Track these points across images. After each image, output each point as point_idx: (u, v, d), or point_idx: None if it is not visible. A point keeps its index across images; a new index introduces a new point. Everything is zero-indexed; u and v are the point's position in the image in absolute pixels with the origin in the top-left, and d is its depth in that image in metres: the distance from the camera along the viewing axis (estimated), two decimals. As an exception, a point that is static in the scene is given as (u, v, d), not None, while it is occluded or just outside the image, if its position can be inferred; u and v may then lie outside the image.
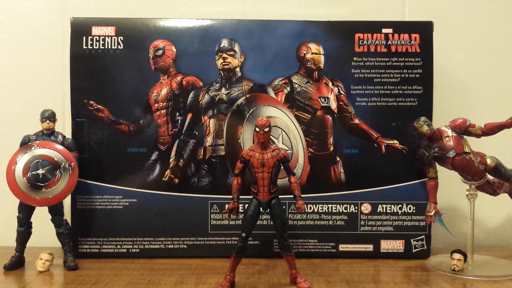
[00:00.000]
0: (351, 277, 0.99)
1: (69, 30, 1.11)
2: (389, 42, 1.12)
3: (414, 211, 1.12)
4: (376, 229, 1.13)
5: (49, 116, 1.04)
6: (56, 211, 1.04)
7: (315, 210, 1.12)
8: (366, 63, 1.12)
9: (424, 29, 1.12)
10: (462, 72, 1.30)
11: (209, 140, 1.12)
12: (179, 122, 1.12)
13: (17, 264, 1.04)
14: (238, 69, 1.12)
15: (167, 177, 1.11)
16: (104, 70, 1.11)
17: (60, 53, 1.25)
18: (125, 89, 1.11)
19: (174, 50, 1.11)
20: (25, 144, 1.03)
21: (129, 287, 0.92)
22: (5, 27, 1.29)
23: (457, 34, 1.29)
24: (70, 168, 1.03)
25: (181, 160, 1.11)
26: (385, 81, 1.12)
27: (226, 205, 0.98)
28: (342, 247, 1.13)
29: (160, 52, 1.11)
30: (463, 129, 1.03)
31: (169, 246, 1.12)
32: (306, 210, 1.12)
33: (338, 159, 1.12)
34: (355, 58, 1.12)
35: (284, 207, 1.09)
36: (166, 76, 1.12)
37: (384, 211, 1.12)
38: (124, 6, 1.28)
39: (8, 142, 1.07)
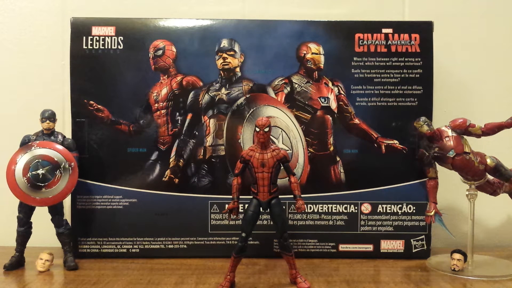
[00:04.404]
0: (351, 277, 0.99)
1: (69, 30, 1.11)
2: (389, 42, 1.12)
3: (414, 211, 1.12)
4: (376, 229, 1.13)
5: (49, 116, 1.04)
6: (56, 211, 1.04)
7: (315, 210, 1.12)
8: (366, 63, 1.12)
9: (424, 29, 1.12)
10: (462, 72, 1.30)
11: (209, 140, 1.12)
12: (179, 122, 1.12)
13: (17, 264, 1.04)
14: (238, 69, 1.12)
15: (167, 177, 1.11)
16: (104, 70, 1.11)
17: (60, 53, 1.25)
18: (125, 89, 1.11)
19: (174, 50, 1.11)
20: (25, 144, 1.03)
21: (129, 287, 0.92)
22: (5, 27, 1.29)
23: (457, 34, 1.29)
24: (70, 168, 1.03)
25: (181, 160, 1.11)
26: (385, 81, 1.12)
27: (226, 205, 0.98)
28: (342, 247, 1.13)
29: (160, 52, 1.11)
30: (463, 129, 1.03)
31: (169, 246, 1.12)
32: (306, 210, 1.12)
33: (338, 159, 1.12)
34: (355, 58, 1.12)
35: (284, 207, 1.09)
36: (166, 76, 1.12)
37: (384, 211, 1.12)
38: (124, 6, 1.28)
39: (8, 142, 1.07)
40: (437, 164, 1.07)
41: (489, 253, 1.15)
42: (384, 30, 1.12)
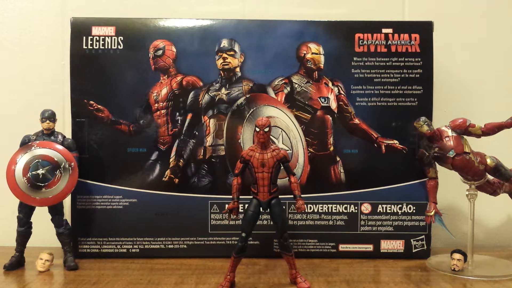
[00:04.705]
0: (351, 277, 0.99)
1: (69, 30, 1.11)
2: (389, 42, 1.12)
3: (414, 211, 1.12)
4: (376, 229, 1.13)
5: (49, 116, 1.04)
6: (56, 211, 1.04)
7: (315, 210, 1.12)
8: (366, 63, 1.12)
9: (424, 29, 1.12)
10: (462, 72, 1.30)
11: (209, 140, 1.12)
12: (179, 122, 1.12)
13: (17, 264, 1.04)
14: (238, 69, 1.12)
15: (167, 177, 1.11)
16: (104, 70, 1.11)
17: (60, 53, 1.25)
18: (125, 89, 1.11)
19: (174, 50, 1.11)
20: (25, 144, 1.03)
21: (129, 287, 0.92)
22: (5, 27, 1.29)
23: (457, 34, 1.29)
24: (70, 168, 1.03)
25: (181, 160, 1.11)
26: (385, 81, 1.12)
27: (226, 205, 0.98)
28: (342, 247, 1.13)
29: (160, 52, 1.11)
30: (463, 129, 1.03)
31: (169, 246, 1.12)
32: (306, 210, 1.12)
33: (338, 159, 1.12)
34: (355, 58, 1.12)
35: (284, 207, 1.09)
36: (166, 76, 1.12)
37: (384, 211, 1.12)
38: (124, 6, 1.28)
39: (8, 142, 1.07)
40: (437, 164, 1.07)
41: (489, 253, 1.15)
42: (384, 30, 1.12)
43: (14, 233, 1.05)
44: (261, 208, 0.92)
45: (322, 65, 1.12)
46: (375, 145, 1.12)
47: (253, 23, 1.13)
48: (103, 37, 1.11)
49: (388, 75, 1.12)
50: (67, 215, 1.09)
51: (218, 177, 1.11)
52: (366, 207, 1.13)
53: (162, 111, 1.12)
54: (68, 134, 1.10)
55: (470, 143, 1.04)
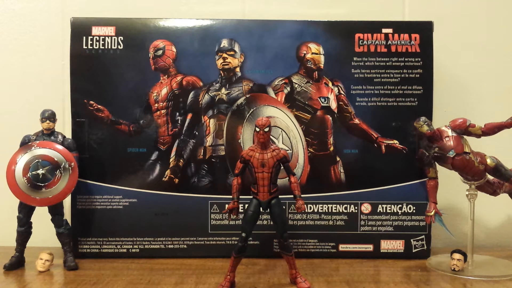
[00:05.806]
0: (351, 277, 0.99)
1: (69, 30, 1.11)
2: (389, 42, 1.12)
3: (414, 211, 1.12)
4: (376, 229, 1.13)
5: (49, 116, 1.04)
6: (56, 211, 1.04)
7: (315, 210, 1.12)
8: (366, 63, 1.12)
9: (424, 29, 1.12)
10: (462, 72, 1.30)
11: (209, 140, 1.12)
12: (179, 122, 1.12)
13: (17, 264, 1.04)
14: (238, 69, 1.12)
15: (167, 177, 1.11)
16: (104, 70, 1.11)
17: (60, 53, 1.25)
18: (125, 89, 1.11)
19: (174, 50, 1.11)
20: (25, 144, 1.03)
21: (129, 287, 0.92)
22: (5, 27, 1.29)
23: (457, 34, 1.29)
24: (70, 168, 1.03)
25: (181, 160, 1.11)
26: (385, 81, 1.12)
27: (226, 205, 0.98)
28: (342, 247, 1.13)
29: (160, 52, 1.11)
30: (463, 129, 1.03)
31: (169, 246, 1.12)
32: (306, 210, 1.12)
33: (338, 159, 1.12)
34: (355, 58, 1.12)
35: (284, 207, 1.09)
36: (166, 76, 1.12)
37: (384, 211, 1.12)
38: (124, 6, 1.28)
39: (8, 142, 1.07)
40: (437, 164, 1.07)
41: (489, 253, 1.15)
42: (384, 30, 1.12)
43: (14, 233, 1.05)
44: (261, 208, 0.92)
45: (322, 65, 1.12)
46: (375, 145, 1.12)
47: (253, 23, 1.13)
48: (103, 37, 1.11)
49: (388, 75, 1.12)
50: (67, 215, 1.09)
51: (218, 177, 1.11)
52: (366, 207, 1.13)
53: (162, 111, 1.12)
54: (68, 134, 1.10)
55: (470, 143, 1.04)
